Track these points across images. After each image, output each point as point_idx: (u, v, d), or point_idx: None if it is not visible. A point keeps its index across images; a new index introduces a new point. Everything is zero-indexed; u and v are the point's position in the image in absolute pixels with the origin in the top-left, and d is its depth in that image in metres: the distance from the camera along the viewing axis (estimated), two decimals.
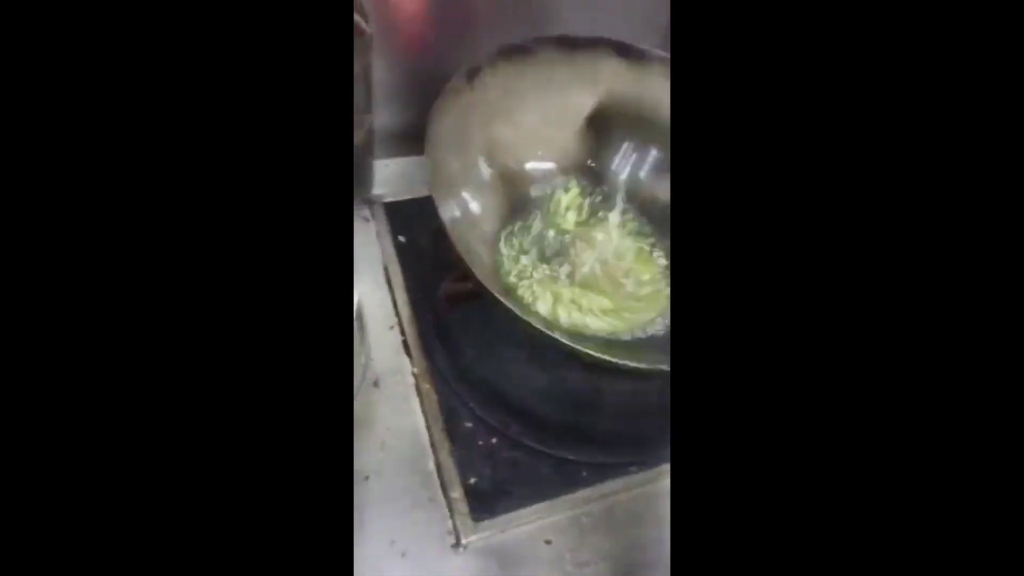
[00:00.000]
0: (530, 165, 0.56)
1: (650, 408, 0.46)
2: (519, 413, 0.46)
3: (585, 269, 0.52)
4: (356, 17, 0.49)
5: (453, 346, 0.49)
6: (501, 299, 0.38)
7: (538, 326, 0.38)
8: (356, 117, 0.50)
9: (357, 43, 0.46)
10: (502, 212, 0.54)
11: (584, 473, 0.44)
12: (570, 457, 0.45)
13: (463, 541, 0.41)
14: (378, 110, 0.53)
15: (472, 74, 0.49)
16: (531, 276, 0.51)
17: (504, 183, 0.54)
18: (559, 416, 0.46)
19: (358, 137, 0.51)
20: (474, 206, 0.51)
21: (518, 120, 0.53)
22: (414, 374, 0.48)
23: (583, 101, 0.55)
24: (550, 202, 0.56)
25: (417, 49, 0.59)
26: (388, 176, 0.61)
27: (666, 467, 0.45)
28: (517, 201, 0.55)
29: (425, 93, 0.56)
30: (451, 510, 0.42)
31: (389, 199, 0.59)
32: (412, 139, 0.62)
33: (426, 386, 0.47)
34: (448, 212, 0.46)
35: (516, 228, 0.54)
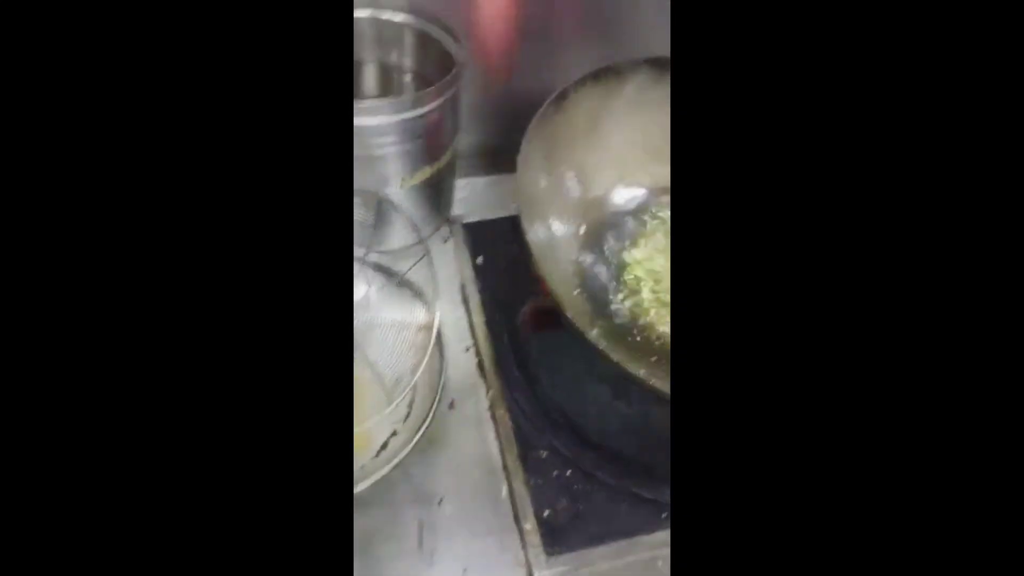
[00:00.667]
0: (619, 191, 0.55)
1: None
2: (596, 446, 0.44)
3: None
4: (451, 42, 0.49)
5: (530, 372, 0.48)
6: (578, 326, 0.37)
7: (617, 360, 0.37)
8: (444, 140, 0.51)
9: (452, 70, 0.46)
10: (585, 237, 0.53)
11: (663, 515, 0.42)
12: (648, 496, 0.43)
13: (535, 574, 0.40)
14: (461, 131, 0.54)
15: (562, 96, 0.49)
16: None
17: (590, 207, 0.53)
18: (639, 453, 0.44)
19: (444, 159, 0.52)
20: (558, 227, 0.51)
21: (606, 144, 0.52)
22: (489, 397, 0.47)
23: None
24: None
25: (504, 71, 0.59)
26: (467, 196, 0.61)
27: None
28: (600, 226, 0.54)
29: (508, 114, 0.57)
30: (524, 541, 0.41)
31: (468, 219, 0.59)
32: (492, 159, 0.63)
33: (500, 411, 0.46)
34: (534, 234, 0.46)
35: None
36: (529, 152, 0.46)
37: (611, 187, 0.55)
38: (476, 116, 0.59)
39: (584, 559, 0.40)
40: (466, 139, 0.60)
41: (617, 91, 0.51)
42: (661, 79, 0.51)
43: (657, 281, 0.51)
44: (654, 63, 0.51)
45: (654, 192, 0.56)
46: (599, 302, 0.50)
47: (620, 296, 0.51)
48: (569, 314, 0.38)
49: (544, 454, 0.44)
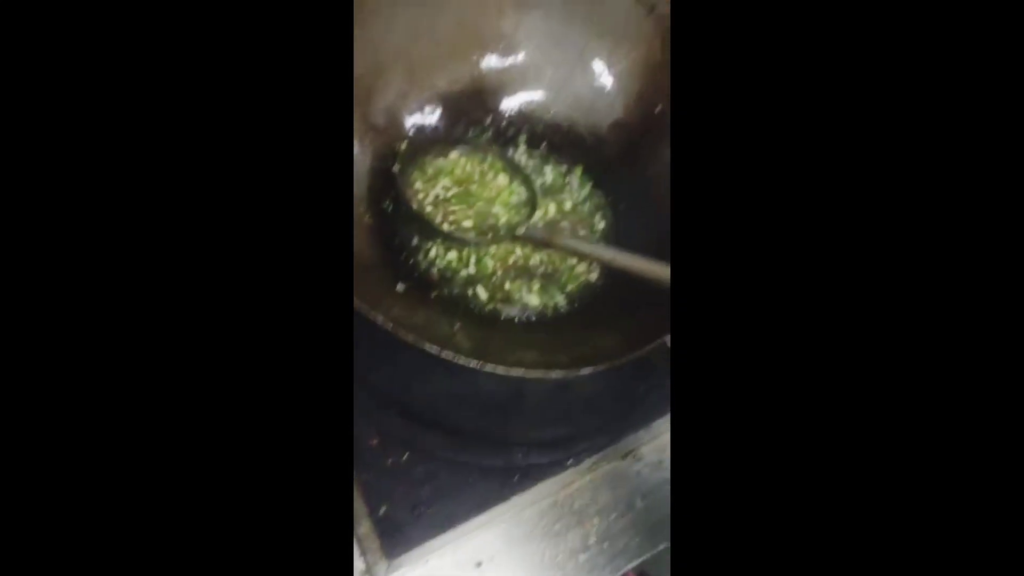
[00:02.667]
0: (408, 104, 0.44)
1: (576, 399, 0.39)
2: (430, 423, 0.38)
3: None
4: None
5: None
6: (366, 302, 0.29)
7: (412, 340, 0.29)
8: None
9: None
10: (373, 172, 0.43)
11: (516, 478, 0.38)
12: (497, 464, 0.38)
13: None
14: None
15: None
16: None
17: (375, 129, 0.43)
18: (476, 421, 0.38)
19: None
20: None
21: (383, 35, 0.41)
22: None
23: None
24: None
25: None
26: None
27: (604, 453, 0.39)
28: (390, 156, 0.44)
29: None
30: (362, 549, 0.35)
31: None
32: None
33: None
34: None
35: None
36: None
37: (398, 99, 0.44)
38: None
39: (432, 550, 0.36)
40: None
41: None
42: None
43: (465, 220, 0.43)
44: None
45: (451, 104, 0.46)
46: (399, 255, 0.42)
47: (425, 247, 0.42)
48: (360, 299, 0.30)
49: (374, 442, 0.38)
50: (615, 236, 0.44)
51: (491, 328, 0.38)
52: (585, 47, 0.45)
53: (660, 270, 0.35)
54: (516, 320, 0.40)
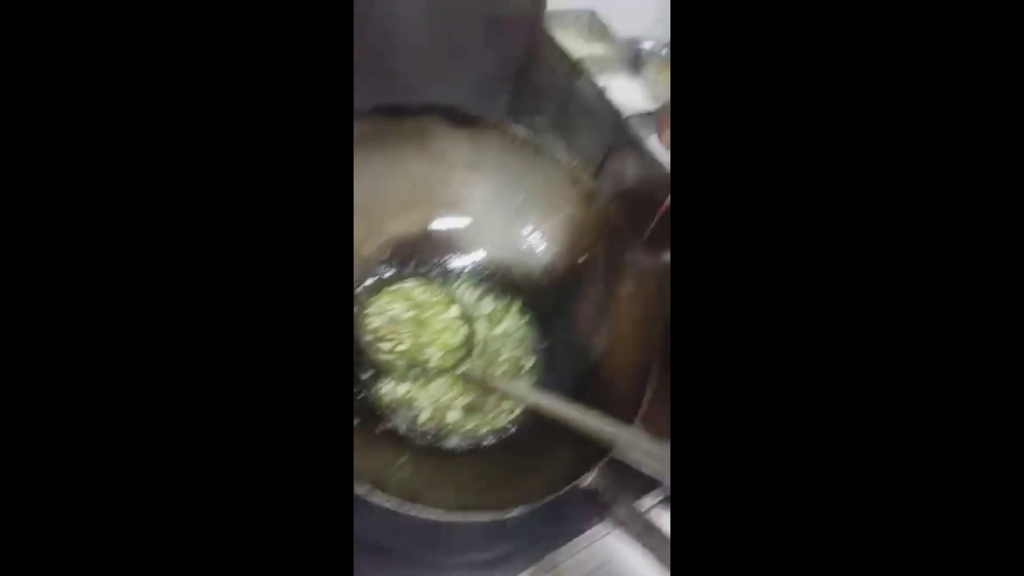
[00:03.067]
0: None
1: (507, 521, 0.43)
2: (367, 545, 0.42)
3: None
4: None
5: None
6: None
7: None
8: None
9: None
10: None
11: None
12: None
13: None
14: None
15: None
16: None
17: None
18: (408, 546, 0.42)
19: None
20: None
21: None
22: None
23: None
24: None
25: None
26: None
27: (532, 570, 0.44)
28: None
29: None
30: None
31: None
32: None
33: None
34: None
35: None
36: None
37: (357, 242, 0.50)
38: None
39: None
40: None
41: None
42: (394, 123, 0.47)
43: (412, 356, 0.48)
44: (391, 112, 0.46)
45: (404, 249, 0.52)
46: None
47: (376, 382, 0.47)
48: None
49: None
50: (543, 365, 0.51)
51: (435, 460, 0.43)
52: (520, 207, 0.53)
53: (579, 414, 0.41)
54: (455, 452, 0.45)
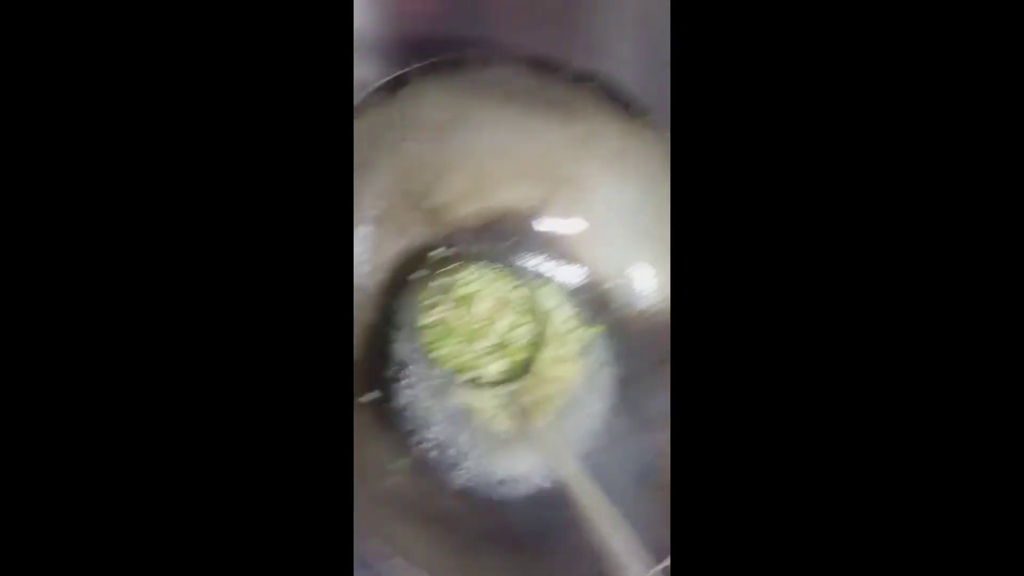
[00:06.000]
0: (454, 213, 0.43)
1: None
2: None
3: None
4: None
5: None
6: None
7: None
8: None
9: None
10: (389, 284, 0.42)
11: None
12: None
13: None
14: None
15: (400, 82, 0.37)
16: None
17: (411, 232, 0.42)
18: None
19: None
20: (357, 251, 0.40)
21: (455, 155, 0.41)
22: None
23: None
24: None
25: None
26: None
27: None
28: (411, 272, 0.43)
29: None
30: None
31: None
32: None
33: None
34: None
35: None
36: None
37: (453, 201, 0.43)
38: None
39: None
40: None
41: (477, 88, 0.39)
42: (539, 85, 0.39)
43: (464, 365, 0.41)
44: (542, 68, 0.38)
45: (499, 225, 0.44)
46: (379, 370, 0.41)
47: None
48: None
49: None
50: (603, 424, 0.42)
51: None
52: (647, 230, 0.43)
53: (611, 527, 0.32)
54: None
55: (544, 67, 0.38)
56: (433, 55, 0.37)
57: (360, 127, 0.36)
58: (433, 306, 0.42)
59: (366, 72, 0.46)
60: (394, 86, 0.36)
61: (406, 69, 0.36)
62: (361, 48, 0.45)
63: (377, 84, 0.36)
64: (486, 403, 0.41)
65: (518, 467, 0.40)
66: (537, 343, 0.42)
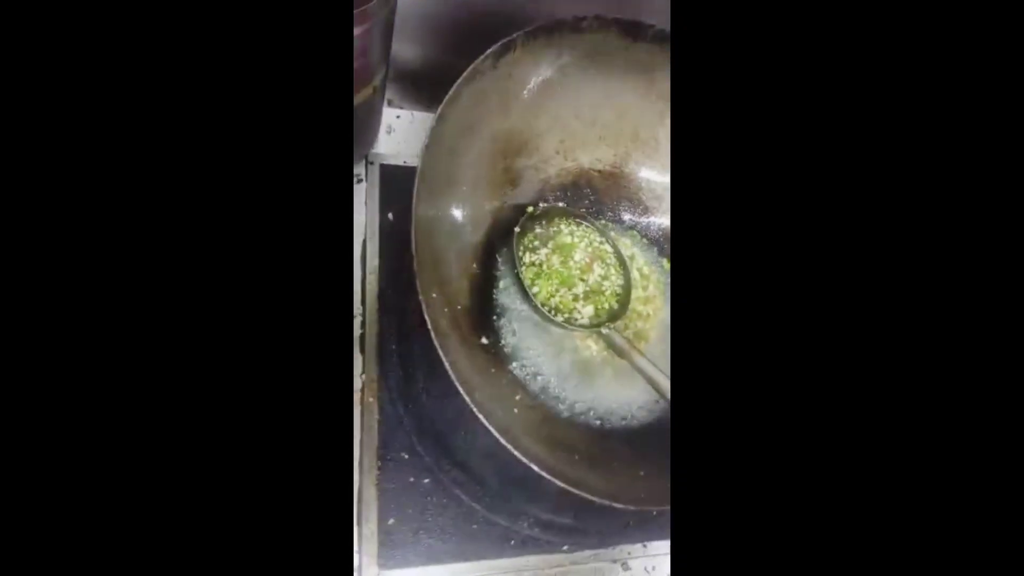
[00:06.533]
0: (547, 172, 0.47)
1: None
2: (459, 462, 0.41)
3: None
4: None
5: (409, 366, 0.43)
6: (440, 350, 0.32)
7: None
8: (367, 72, 0.42)
9: None
10: (492, 231, 0.46)
11: (512, 542, 0.40)
12: (502, 523, 0.40)
13: None
14: (399, 46, 0.45)
15: (506, 49, 0.40)
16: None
17: (510, 193, 0.46)
18: (501, 479, 0.41)
19: (364, 92, 0.43)
20: (462, 213, 0.44)
21: (549, 116, 0.44)
22: (362, 379, 0.43)
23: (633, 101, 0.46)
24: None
25: None
26: (398, 131, 0.53)
27: (597, 552, 0.41)
28: (514, 220, 0.46)
29: (465, 35, 0.47)
30: (359, 543, 0.39)
31: (389, 161, 0.51)
32: (434, 90, 0.54)
33: (370, 398, 0.42)
34: (429, 209, 0.39)
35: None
36: (449, 114, 0.38)
37: (541, 162, 0.47)
38: (426, 32, 0.49)
39: None
40: (410, 58, 0.50)
41: (570, 53, 0.42)
42: (626, 47, 0.42)
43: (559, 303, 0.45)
44: (625, 26, 0.42)
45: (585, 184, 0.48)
46: (488, 316, 0.44)
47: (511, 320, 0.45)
48: (435, 330, 0.33)
49: (405, 456, 0.41)
50: None
51: (543, 418, 0.41)
52: None
53: None
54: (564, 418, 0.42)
55: (632, 29, 0.42)
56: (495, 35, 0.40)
57: (469, 92, 0.39)
58: (534, 251, 0.45)
59: (417, 60, 0.49)
60: (501, 52, 0.39)
61: (512, 36, 0.39)
62: (419, 29, 0.48)
63: (486, 53, 0.39)
64: (583, 341, 0.45)
65: (618, 399, 0.44)
66: (625, 291, 0.46)
